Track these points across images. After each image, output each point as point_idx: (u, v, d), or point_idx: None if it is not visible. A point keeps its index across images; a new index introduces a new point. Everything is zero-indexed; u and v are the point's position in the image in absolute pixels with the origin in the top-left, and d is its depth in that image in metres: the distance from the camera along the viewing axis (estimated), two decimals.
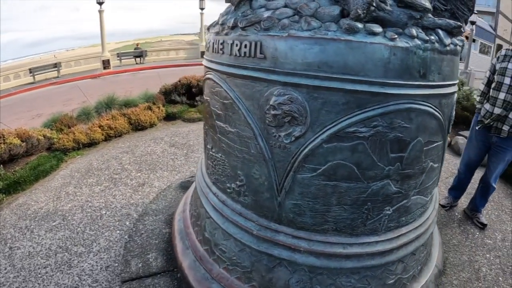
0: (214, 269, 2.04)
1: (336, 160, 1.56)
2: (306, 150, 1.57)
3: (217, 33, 1.90)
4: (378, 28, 1.43)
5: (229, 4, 1.97)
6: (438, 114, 1.63)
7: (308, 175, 1.61)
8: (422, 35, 1.47)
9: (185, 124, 5.68)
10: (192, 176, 3.54)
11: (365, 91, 1.45)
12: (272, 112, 1.58)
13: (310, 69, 1.48)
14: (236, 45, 1.70)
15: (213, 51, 1.96)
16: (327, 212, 1.65)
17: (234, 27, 1.74)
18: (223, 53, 1.83)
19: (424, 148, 1.64)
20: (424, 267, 2.04)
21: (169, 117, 5.92)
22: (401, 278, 1.79)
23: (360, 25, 1.42)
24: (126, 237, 2.62)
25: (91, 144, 4.65)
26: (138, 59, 19.30)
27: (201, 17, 21.95)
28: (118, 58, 18.76)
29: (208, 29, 2.15)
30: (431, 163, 1.74)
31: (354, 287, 1.71)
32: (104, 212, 3.00)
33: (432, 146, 1.69)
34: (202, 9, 21.21)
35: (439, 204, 3.10)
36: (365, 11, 1.42)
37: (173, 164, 4.05)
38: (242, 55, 1.68)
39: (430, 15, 1.51)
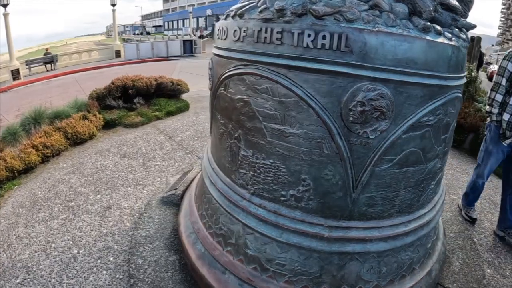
0: (272, 286, 1.83)
1: (410, 148, 1.69)
2: (388, 142, 1.63)
3: (267, 20, 1.62)
4: (440, 29, 1.62)
5: None
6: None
7: (386, 166, 1.68)
8: (463, 35, 1.77)
9: (128, 131, 4.95)
10: (174, 190, 2.96)
11: (437, 85, 1.64)
12: (360, 109, 1.54)
13: (399, 65, 1.52)
14: (309, 35, 1.52)
15: (257, 41, 1.66)
16: (396, 197, 1.78)
17: (302, 14, 1.53)
18: (281, 43, 1.59)
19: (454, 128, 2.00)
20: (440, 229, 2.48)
21: (109, 125, 4.97)
22: (433, 241, 2.16)
23: (436, 27, 1.57)
24: (122, 276, 2.01)
25: (27, 169, 3.70)
26: (49, 65, 16.80)
27: (113, 14, 19.64)
28: (27, 66, 15.85)
29: (229, 15, 1.80)
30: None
31: (410, 257, 1.94)
32: (76, 251, 2.29)
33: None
34: (113, 5, 19.21)
35: (471, 218, 2.99)
36: (434, 12, 1.58)
37: (134, 178, 3.34)
38: (319, 47, 1.52)
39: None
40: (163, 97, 6.04)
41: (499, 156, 2.73)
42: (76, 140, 4.36)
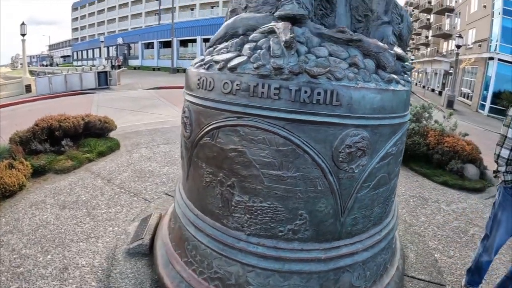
0: None
1: (380, 174, 2.05)
2: (366, 173, 1.95)
3: (264, 76, 1.73)
4: (398, 78, 1.99)
5: (229, 41, 1.84)
6: None
7: (365, 191, 2.01)
8: (409, 77, 2.18)
9: (61, 177, 4.36)
10: (139, 240, 2.76)
11: (399, 123, 2.02)
12: (348, 150, 1.82)
13: (375, 112, 1.84)
14: (305, 92, 1.71)
15: (252, 95, 1.77)
16: (372, 214, 2.14)
17: (299, 73, 1.70)
18: (279, 98, 1.74)
19: None
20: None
21: (38, 172, 4.29)
22: (395, 241, 2.63)
23: (394, 76, 1.93)
24: None
25: None
26: None
27: (23, 45, 17.24)
28: None
29: (212, 66, 1.84)
30: None
31: (384, 259, 2.35)
32: None
33: None
34: (23, 35, 17.01)
35: None
36: (394, 66, 1.94)
37: (83, 230, 2.94)
38: (314, 102, 1.72)
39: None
40: (92, 136, 5.50)
41: (509, 225, 2.31)
42: (5, 193, 3.64)
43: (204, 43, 31.68)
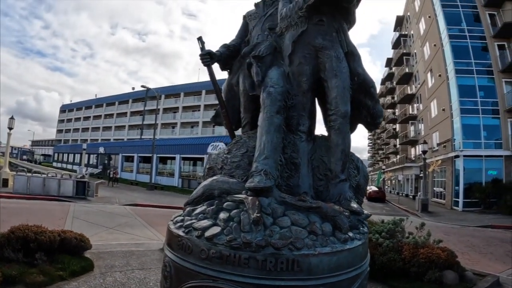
0: None
1: None
2: None
3: (235, 248, 2.01)
4: (353, 234, 2.32)
5: (206, 205, 2.22)
6: None
7: None
8: (365, 227, 2.51)
9: None
10: None
11: (356, 274, 2.26)
12: None
13: (332, 271, 2.10)
14: (271, 262, 1.98)
15: (226, 262, 2.02)
16: None
17: (265, 246, 2.00)
18: (248, 266, 1.99)
19: None
20: None
21: (7, 282, 4.16)
22: None
23: (350, 234, 2.26)
24: None
25: None
26: None
27: (8, 138, 18.47)
28: None
29: (190, 231, 2.16)
30: None
31: None
32: None
33: None
34: (10, 128, 18.18)
35: None
36: (349, 227, 2.29)
37: None
38: (278, 269, 1.98)
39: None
40: (67, 253, 5.46)
41: None
42: None
43: (182, 161, 32.82)
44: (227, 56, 3.47)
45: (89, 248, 6.01)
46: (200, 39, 3.38)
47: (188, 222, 2.32)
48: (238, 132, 3.61)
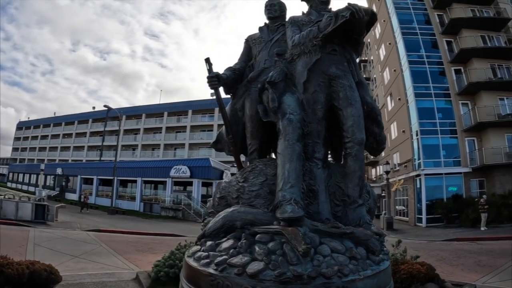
0: None
1: None
2: None
3: (285, 282, 2.02)
4: (383, 256, 2.45)
5: (232, 239, 2.31)
6: None
7: None
8: (387, 250, 2.65)
9: None
10: None
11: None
12: None
13: None
14: None
15: None
16: None
17: (316, 277, 2.07)
18: None
19: None
20: None
21: None
22: None
23: (381, 258, 2.38)
24: None
25: None
26: None
27: None
28: None
29: None
30: None
31: None
32: None
33: None
34: None
35: None
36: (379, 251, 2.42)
37: None
38: None
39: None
40: (35, 287, 5.04)
41: None
42: None
43: (144, 185, 31.60)
44: (233, 80, 3.42)
45: (59, 281, 5.47)
46: (207, 60, 3.23)
47: (220, 259, 2.22)
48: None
